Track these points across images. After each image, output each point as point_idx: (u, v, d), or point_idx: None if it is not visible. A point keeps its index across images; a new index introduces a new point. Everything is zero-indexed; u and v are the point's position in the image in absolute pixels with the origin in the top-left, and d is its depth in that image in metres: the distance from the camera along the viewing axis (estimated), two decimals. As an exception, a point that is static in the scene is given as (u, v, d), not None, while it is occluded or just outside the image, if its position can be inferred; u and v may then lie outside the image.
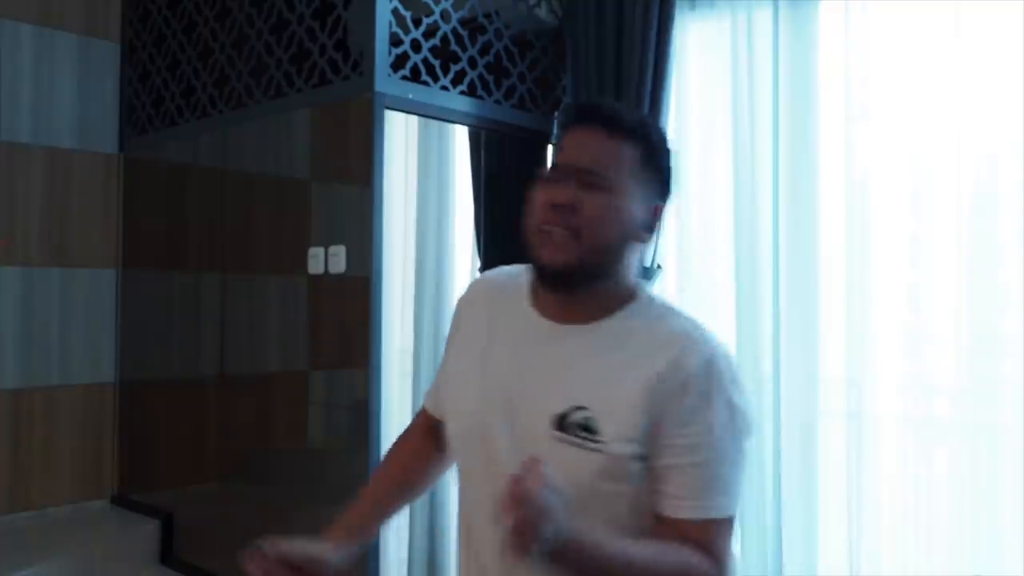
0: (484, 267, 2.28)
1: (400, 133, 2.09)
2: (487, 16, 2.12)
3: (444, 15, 2.00)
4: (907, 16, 1.71)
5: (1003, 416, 1.60)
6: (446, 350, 1.20)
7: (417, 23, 1.94)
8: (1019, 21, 1.57)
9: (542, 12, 2.25)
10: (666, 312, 1.07)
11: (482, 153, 2.31)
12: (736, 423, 1.00)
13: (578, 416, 0.99)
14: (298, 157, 2.15)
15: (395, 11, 1.89)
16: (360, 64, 1.89)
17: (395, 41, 1.89)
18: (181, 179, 2.52)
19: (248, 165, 2.28)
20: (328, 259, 1.96)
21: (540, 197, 1.01)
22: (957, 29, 1.66)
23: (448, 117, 2.07)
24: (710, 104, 2.01)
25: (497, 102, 2.13)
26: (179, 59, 2.47)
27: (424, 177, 2.35)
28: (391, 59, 1.88)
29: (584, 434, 0.98)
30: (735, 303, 1.91)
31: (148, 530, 2.43)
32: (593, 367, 1.02)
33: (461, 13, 2.05)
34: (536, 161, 2.30)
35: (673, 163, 1.08)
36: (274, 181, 2.22)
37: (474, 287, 1.22)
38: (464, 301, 1.20)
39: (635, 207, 1.02)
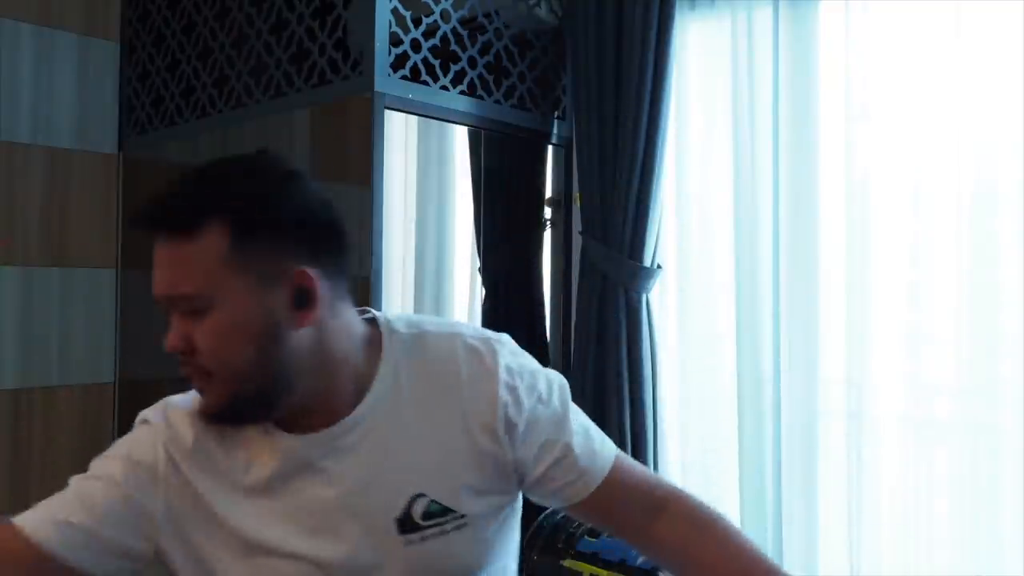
0: (484, 267, 2.28)
1: (400, 133, 2.09)
2: (487, 16, 2.12)
3: (444, 15, 2.00)
4: (907, 16, 1.71)
5: (1003, 416, 1.60)
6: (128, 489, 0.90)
7: (417, 23, 1.94)
8: (1019, 21, 1.56)
9: (542, 12, 2.25)
10: (417, 335, 0.92)
11: (482, 153, 2.30)
12: (552, 386, 0.94)
13: (421, 507, 0.86)
14: (298, 157, 2.14)
15: (395, 11, 1.89)
16: (360, 64, 1.89)
17: (395, 41, 1.89)
18: (181, 179, 2.52)
19: (248, 165, 2.27)
20: (328, 259, 1.95)
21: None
22: (957, 29, 1.65)
23: (448, 117, 2.07)
24: (710, 104, 2.01)
25: (497, 102, 2.13)
26: (179, 59, 2.47)
27: (424, 177, 2.35)
28: (391, 59, 1.88)
29: (437, 519, 0.87)
30: (735, 303, 1.91)
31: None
32: (390, 451, 0.87)
33: (461, 13, 2.05)
34: (536, 161, 2.30)
35: (294, 199, 0.83)
36: (274, 181, 2.21)
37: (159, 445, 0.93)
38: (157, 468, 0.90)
39: (254, 301, 0.80)
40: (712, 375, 1.97)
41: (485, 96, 2.10)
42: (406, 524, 0.86)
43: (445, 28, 2.00)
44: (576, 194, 2.18)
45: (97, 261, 2.62)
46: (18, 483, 2.45)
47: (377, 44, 1.85)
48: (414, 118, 2.07)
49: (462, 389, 0.89)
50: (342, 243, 0.89)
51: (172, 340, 0.85)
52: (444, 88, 2.00)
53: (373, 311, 0.96)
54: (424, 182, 2.36)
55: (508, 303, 2.33)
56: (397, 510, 0.86)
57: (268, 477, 0.87)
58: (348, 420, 0.87)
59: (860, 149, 1.77)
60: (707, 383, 1.99)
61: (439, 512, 0.87)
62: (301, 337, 0.83)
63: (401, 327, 0.93)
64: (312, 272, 0.83)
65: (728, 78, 1.94)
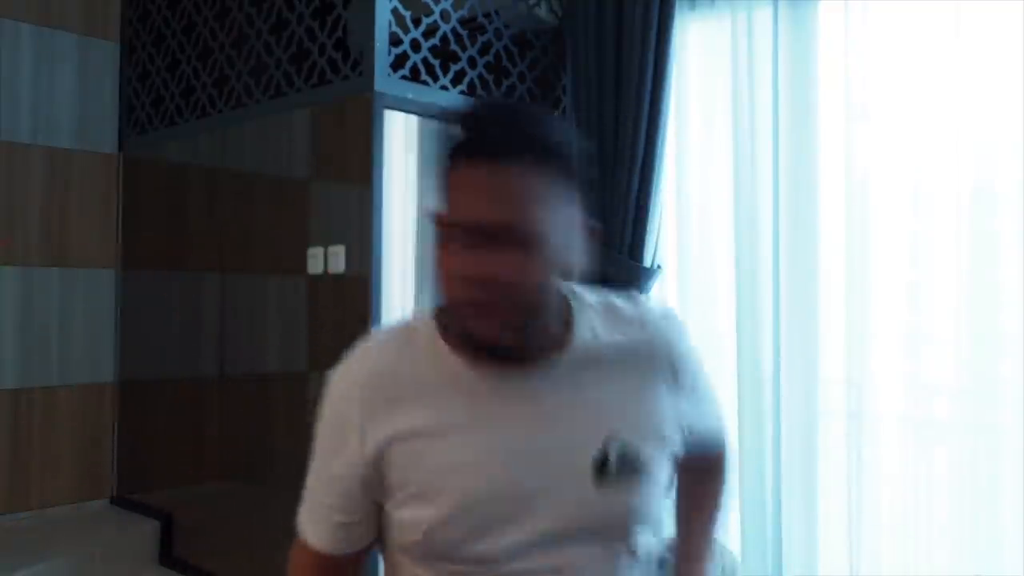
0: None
1: (400, 133, 2.09)
2: (487, 16, 2.12)
3: (444, 15, 2.00)
4: (907, 16, 1.71)
5: (1003, 416, 1.60)
6: (331, 459, 0.92)
7: (417, 23, 1.94)
8: (1019, 21, 1.57)
9: (542, 12, 2.25)
10: (601, 304, 0.96)
11: (482, 153, 2.30)
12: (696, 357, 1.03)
13: (614, 449, 0.88)
14: (297, 157, 2.15)
15: (395, 11, 1.89)
16: (360, 64, 1.89)
17: (395, 41, 1.89)
18: (181, 179, 2.52)
19: (247, 165, 2.28)
20: (327, 259, 1.96)
21: (445, 267, 0.82)
22: (957, 29, 1.65)
23: (448, 117, 2.06)
24: (710, 104, 2.01)
25: (497, 102, 2.13)
26: (178, 59, 2.47)
27: (424, 177, 2.35)
28: (391, 59, 1.88)
29: (630, 471, 0.88)
30: (735, 303, 1.91)
31: (148, 530, 2.42)
32: (595, 392, 0.91)
33: (461, 13, 2.05)
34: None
35: (582, 154, 0.86)
36: (274, 181, 2.21)
37: (353, 384, 0.92)
38: (347, 401, 0.91)
39: (563, 243, 0.83)
40: (712, 375, 1.97)
41: (485, 96, 2.10)
42: (603, 469, 0.88)
43: (445, 28, 2.00)
44: (576, 194, 2.17)
45: (97, 261, 2.62)
46: (18, 482, 2.45)
47: (377, 44, 1.85)
48: (414, 118, 2.07)
49: (650, 337, 0.95)
50: None
51: (475, 267, 0.80)
52: (444, 88, 2.00)
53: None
54: (424, 182, 2.36)
55: (508, 303, 2.33)
56: (594, 450, 0.88)
57: (472, 407, 0.90)
58: (547, 363, 0.89)
59: (860, 149, 1.77)
60: (707, 383, 1.99)
61: (628, 458, 0.89)
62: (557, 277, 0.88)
63: (584, 291, 0.97)
64: (596, 227, 0.89)
65: (728, 78, 1.94)
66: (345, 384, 0.93)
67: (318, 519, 0.94)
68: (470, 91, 2.07)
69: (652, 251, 1.99)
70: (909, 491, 1.71)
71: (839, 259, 1.78)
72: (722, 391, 1.91)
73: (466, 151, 0.80)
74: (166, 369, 2.55)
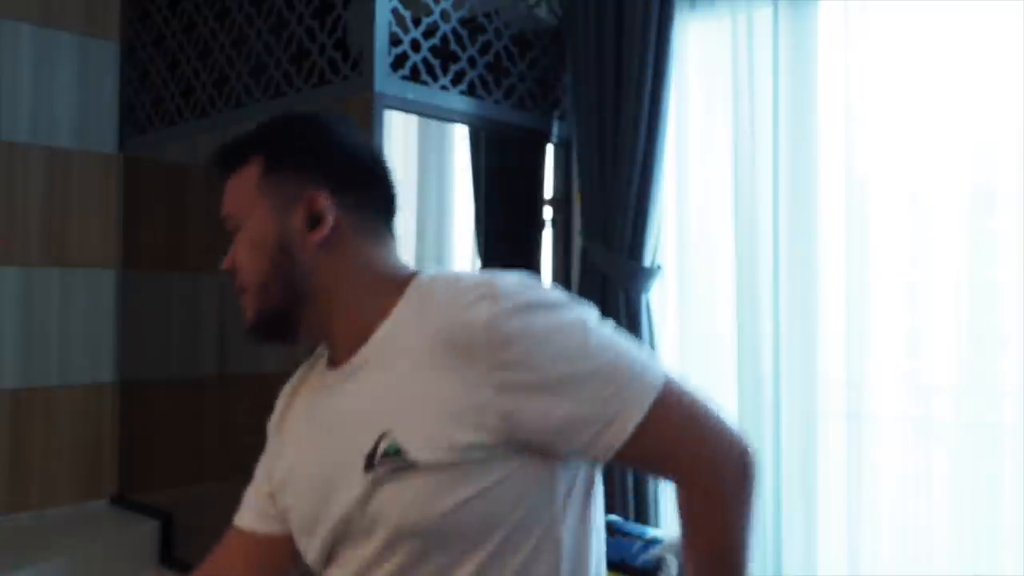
0: (484, 267, 2.28)
1: (400, 133, 2.09)
2: (487, 16, 2.12)
3: (444, 15, 2.00)
4: (907, 16, 1.71)
5: (1003, 416, 1.60)
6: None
7: (417, 23, 1.94)
8: (1019, 21, 1.57)
9: (542, 12, 2.25)
10: (431, 284, 0.90)
11: (482, 153, 2.30)
12: (565, 316, 0.84)
13: (384, 445, 0.84)
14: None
15: (395, 11, 1.89)
16: (359, 64, 1.89)
17: (395, 41, 1.89)
18: (181, 179, 2.52)
19: (248, 165, 2.27)
20: (328, 259, 1.95)
21: None
22: (957, 29, 1.66)
23: (448, 117, 2.07)
24: (710, 104, 2.01)
25: (497, 102, 2.13)
26: (179, 59, 2.47)
27: (424, 177, 2.35)
28: (390, 59, 1.88)
29: (391, 461, 0.83)
30: (735, 303, 1.91)
31: (148, 530, 2.42)
32: (380, 387, 0.88)
33: (461, 13, 2.05)
34: (536, 161, 2.30)
35: (323, 137, 0.95)
36: (274, 181, 2.21)
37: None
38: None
39: (274, 219, 0.92)
40: (712, 375, 1.97)
41: (485, 96, 2.10)
42: (371, 460, 0.85)
43: (445, 28, 2.00)
44: (576, 194, 2.18)
45: (97, 261, 2.62)
46: (18, 483, 2.45)
47: (377, 44, 1.85)
48: (414, 118, 2.07)
49: (458, 319, 0.84)
50: (369, 180, 0.96)
51: (225, 260, 0.98)
52: (444, 88, 2.00)
53: (433, 268, 0.99)
54: (424, 182, 2.36)
55: (508, 303, 2.32)
56: (367, 446, 0.86)
57: (302, 408, 1.02)
58: (352, 361, 0.92)
59: (860, 149, 1.77)
60: (707, 383, 1.99)
61: (395, 452, 0.83)
62: (315, 258, 0.91)
63: (429, 273, 0.94)
64: (324, 197, 0.91)
65: (728, 78, 1.94)
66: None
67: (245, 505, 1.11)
68: (470, 91, 2.07)
69: (652, 251, 1.99)
70: (909, 491, 1.71)
71: (839, 259, 1.78)
72: (722, 391, 1.92)
73: (215, 167, 1.00)
74: (166, 369, 2.54)
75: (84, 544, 2.31)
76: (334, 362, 0.95)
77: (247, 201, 0.94)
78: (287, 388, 1.09)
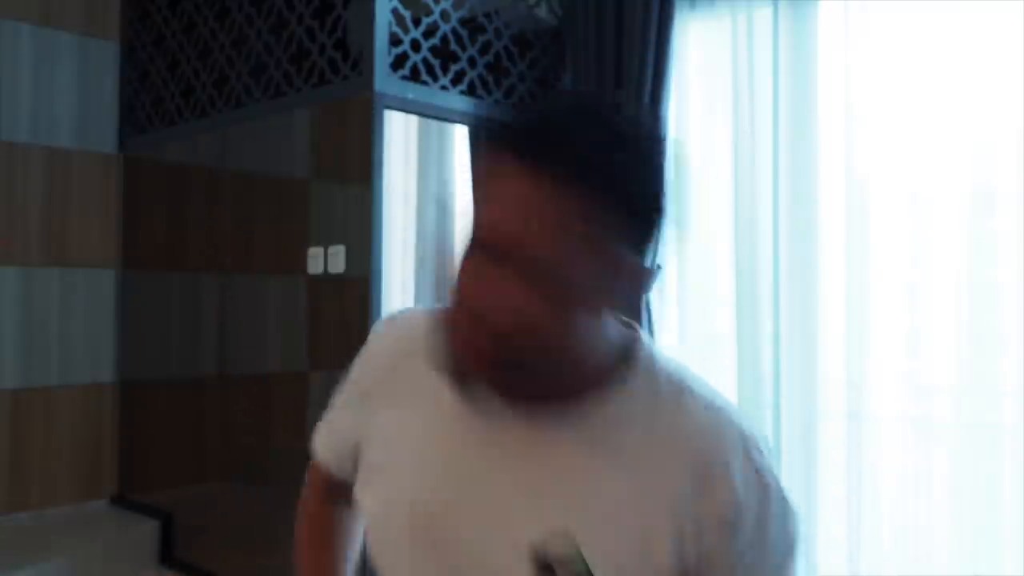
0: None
1: (400, 133, 2.09)
2: (487, 16, 2.12)
3: (444, 15, 2.00)
4: (907, 16, 1.71)
5: (1003, 416, 1.60)
6: (352, 396, 0.90)
7: (417, 23, 1.94)
8: (1019, 21, 1.57)
9: (542, 12, 2.25)
10: (678, 387, 0.76)
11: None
12: (789, 521, 0.76)
13: (563, 550, 0.66)
14: (297, 157, 2.15)
15: (395, 11, 1.89)
16: (359, 64, 1.89)
17: (395, 41, 1.89)
18: (181, 179, 2.52)
19: (247, 165, 2.28)
20: (328, 259, 1.96)
21: (463, 283, 0.70)
22: (957, 28, 1.65)
23: (448, 117, 2.07)
24: (710, 104, 2.00)
25: (497, 102, 2.13)
26: (178, 59, 2.47)
27: (424, 177, 2.35)
28: (390, 59, 1.88)
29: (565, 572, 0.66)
30: (735, 303, 1.91)
31: (148, 530, 2.42)
32: (576, 473, 0.71)
33: (461, 13, 2.05)
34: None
35: (668, 178, 0.71)
36: (273, 181, 2.21)
37: (390, 333, 0.88)
38: (381, 348, 0.87)
39: (587, 284, 0.69)
40: (712, 375, 1.97)
41: (485, 96, 2.10)
42: (544, 562, 0.67)
43: (445, 28, 2.00)
44: (576, 194, 2.17)
45: (97, 261, 2.62)
46: (18, 483, 2.45)
47: (377, 44, 1.85)
48: (414, 118, 2.07)
49: (697, 428, 0.73)
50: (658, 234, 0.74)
51: (488, 296, 0.69)
52: (444, 88, 2.00)
53: (642, 334, 0.82)
54: (424, 182, 2.36)
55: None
56: (533, 534, 0.67)
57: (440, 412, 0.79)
58: (545, 408, 0.73)
59: (860, 149, 1.77)
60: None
61: (577, 568, 0.66)
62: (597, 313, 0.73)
63: (663, 361, 0.78)
64: (642, 266, 0.73)
65: (728, 78, 1.94)
66: (378, 344, 0.88)
67: (327, 437, 0.94)
68: (470, 91, 2.07)
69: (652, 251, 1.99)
70: (909, 491, 1.71)
71: (839, 259, 1.78)
72: (722, 391, 1.92)
73: (522, 150, 0.65)
74: (166, 369, 2.54)
75: (84, 544, 2.31)
76: (494, 387, 0.74)
77: (583, 257, 0.69)
78: (385, 355, 0.86)
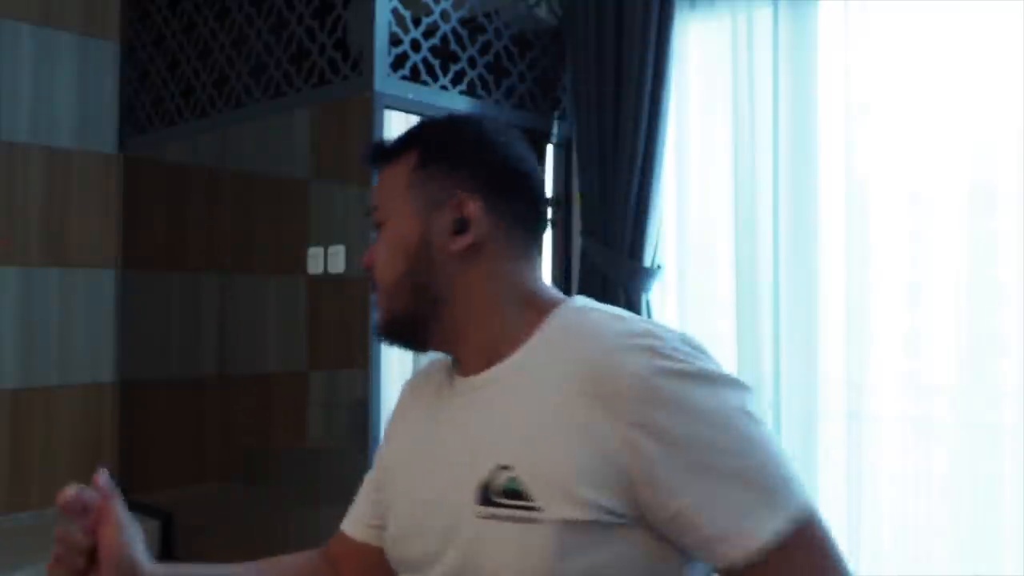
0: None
1: (400, 133, 2.09)
2: (487, 16, 2.12)
3: (444, 15, 2.00)
4: (907, 15, 1.71)
5: (1003, 416, 1.60)
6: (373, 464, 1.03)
7: (417, 23, 1.94)
8: (1019, 21, 1.57)
9: (542, 12, 2.25)
10: (585, 315, 0.83)
11: (482, 153, 2.30)
12: (729, 399, 0.75)
13: (502, 480, 0.76)
14: (297, 157, 2.15)
15: (395, 11, 1.89)
16: (360, 64, 1.89)
17: (395, 41, 1.89)
18: (181, 179, 2.52)
19: (247, 165, 2.28)
20: (327, 259, 1.96)
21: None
22: (957, 28, 1.65)
23: (448, 117, 2.06)
24: (710, 104, 2.01)
25: (497, 102, 2.13)
26: (178, 59, 2.47)
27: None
28: (390, 59, 1.88)
29: (512, 503, 0.75)
30: (735, 303, 1.91)
31: (148, 530, 2.42)
32: (507, 413, 0.81)
33: (461, 13, 2.05)
34: (536, 161, 2.29)
35: (482, 139, 0.90)
36: (273, 181, 2.21)
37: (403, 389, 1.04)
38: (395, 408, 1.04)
39: (419, 219, 0.86)
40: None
41: (485, 96, 2.10)
42: (486, 493, 0.77)
43: (445, 28, 2.00)
44: (576, 194, 2.18)
45: (97, 261, 2.62)
46: (18, 483, 2.45)
47: (377, 44, 1.85)
48: (414, 118, 2.07)
49: (592, 344, 0.78)
50: (524, 192, 0.91)
51: (366, 255, 0.92)
52: (444, 88, 2.00)
53: (577, 296, 0.92)
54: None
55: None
56: (482, 474, 0.78)
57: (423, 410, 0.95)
58: (482, 375, 0.86)
59: (860, 149, 1.77)
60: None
61: (515, 493, 0.75)
62: (454, 265, 0.86)
63: (581, 302, 0.87)
64: (475, 202, 0.86)
65: (728, 78, 1.94)
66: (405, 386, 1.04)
67: (355, 504, 1.03)
68: (470, 91, 2.07)
69: (652, 251, 1.99)
70: (909, 491, 1.71)
71: (839, 259, 1.78)
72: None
73: (369, 160, 0.95)
74: (166, 369, 2.55)
75: (84, 544, 2.31)
76: (459, 369, 0.90)
77: (395, 197, 0.88)
78: (411, 382, 1.02)
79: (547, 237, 2.26)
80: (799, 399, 1.82)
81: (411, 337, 0.90)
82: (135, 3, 2.64)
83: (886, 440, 1.73)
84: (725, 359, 1.91)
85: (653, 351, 0.75)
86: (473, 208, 0.86)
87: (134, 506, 2.74)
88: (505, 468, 0.76)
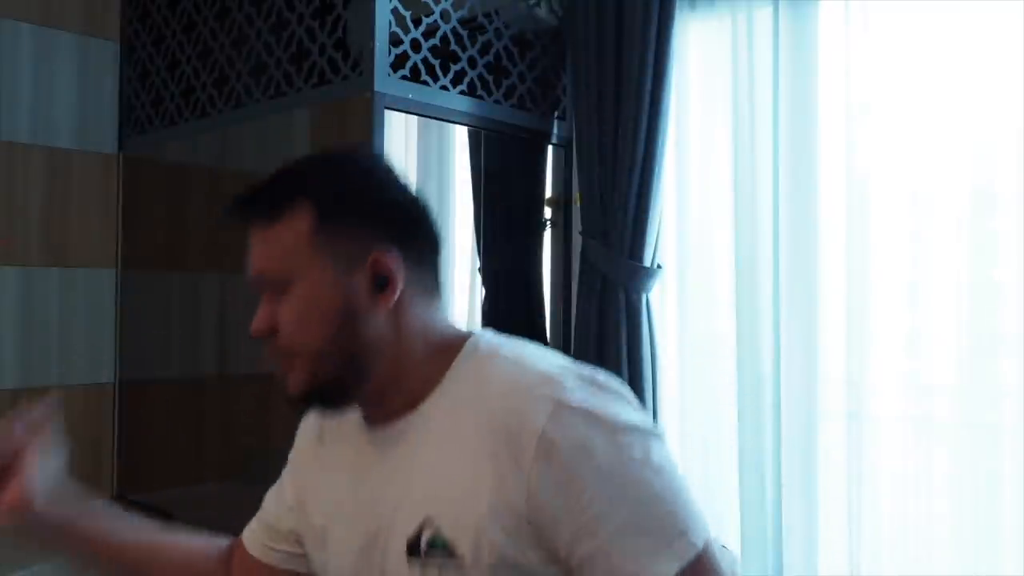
0: (484, 267, 2.28)
1: (400, 133, 2.09)
2: (487, 16, 2.12)
3: (444, 15, 2.00)
4: (907, 16, 1.71)
5: (1003, 416, 1.60)
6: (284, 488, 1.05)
7: (417, 23, 1.94)
8: (1019, 21, 1.57)
9: (542, 12, 2.25)
10: (490, 360, 0.84)
11: (482, 153, 2.30)
12: (632, 449, 0.76)
13: (428, 534, 0.79)
14: (298, 157, 2.14)
15: (395, 11, 1.89)
16: (360, 64, 1.89)
17: (395, 41, 1.89)
18: (180, 179, 2.52)
19: (248, 165, 2.28)
20: (328, 259, 1.95)
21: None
22: (957, 27, 1.66)
23: (448, 117, 2.07)
24: (710, 104, 2.01)
25: (497, 102, 2.13)
26: (178, 59, 2.47)
27: (424, 177, 2.35)
28: (391, 59, 1.88)
29: (440, 555, 0.78)
30: (735, 303, 1.91)
31: (148, 530, 2.42)
32: (425, 465, 0.82)
33: (461, 13, 2.05)
34: (536, 161, 2.30)
35: (377, 184, 0.87)
36: (274, 181, 2.21)
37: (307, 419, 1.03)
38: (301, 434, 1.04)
39: (337, 282, 0.81)
40: (712, 375, 1.97)
41: (485, 96, 2.10)
42: (415, 547, 0.80)
43: (445, 28, 2.00)
44: (576, 194, 2.18)
45: (97, 261, 2.62)
46: (18, 483, 2.44)
47: (377, 44, 1.85)
48: (414, 118, 2.07)
49: (499, 394, 0.79)
50: (428, 234, 0.88)
51: (257, 322, 0.86)
52: (444, 88, 2.00)
53: (480, 331, 0.91)
54: (424, 182, 2.36)
55: (508, 303, 2.33)
56: (408, 530, 0.80)
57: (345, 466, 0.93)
58: (396, 425, 0.85)
59: (860, 149, 1.77)
60: (707, 383, 1.99)
61: (442, 544, 0.78)
62: (379, 322, 0.83)
63: (485, 344, 0.86)
64: (392, 256, 0.82)
65: (728, 78, 1.94)
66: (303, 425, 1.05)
67: (259, 518, 1.06)
68: (470, 91, 2.07)
69: (652, 251, 1.99)
70: (909, 491, 1.71)
71: (839, 259, 1.78)
72: (722, 391, 1.92)
73: (239, 213, 0.90)
74: (166, 369, 2.54)
75: (84, 544, 2.31)
76: (370, 419, 0.89)
77: (295, 258, 0.82)
78: (311, 430, 1.02)
79: (547, 237, 2.29)
80: (799, 399, 1.82)
81: (336, 400, 0.87)
82: (135, 3, 2.64)
83: (886, 440, 1.73)
84: (725, 359, 1.93)
85: (555, 403, 0.76)
86: (390, 262, 0.82)
87: (134, 506, 2.75)
88: (429, 521, 0.79)
